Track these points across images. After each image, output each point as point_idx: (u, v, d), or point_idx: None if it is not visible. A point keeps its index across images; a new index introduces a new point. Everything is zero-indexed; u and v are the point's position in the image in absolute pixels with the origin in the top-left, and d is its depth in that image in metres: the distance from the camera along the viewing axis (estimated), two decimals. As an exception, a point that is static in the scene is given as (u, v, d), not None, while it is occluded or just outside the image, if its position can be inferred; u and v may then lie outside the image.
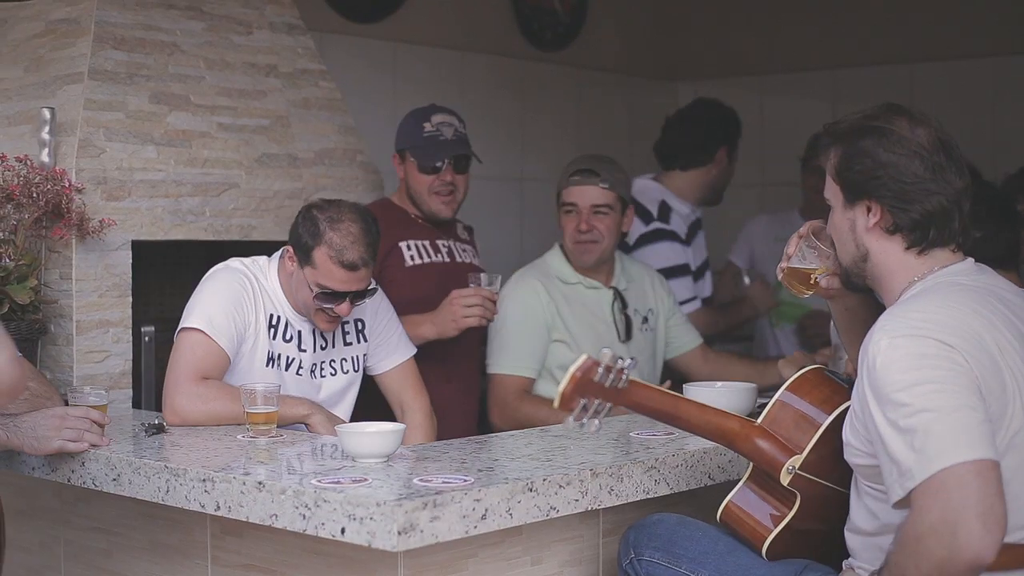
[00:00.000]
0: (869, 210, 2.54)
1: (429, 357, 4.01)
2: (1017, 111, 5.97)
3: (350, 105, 4.69)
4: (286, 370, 3.60)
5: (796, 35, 6.58)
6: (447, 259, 4.28)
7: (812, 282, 2.82)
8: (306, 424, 3.45)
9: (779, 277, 2.91)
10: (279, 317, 3.60)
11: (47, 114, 3.78)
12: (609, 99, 6.59)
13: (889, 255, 2.55)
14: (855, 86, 6.34)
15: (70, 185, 3.69)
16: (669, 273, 4.72)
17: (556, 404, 2.44)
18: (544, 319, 4.22)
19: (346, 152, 4.48)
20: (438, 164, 4.21)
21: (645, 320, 4.39)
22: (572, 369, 2.42)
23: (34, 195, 3.61)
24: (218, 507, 2.73)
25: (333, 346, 3.70)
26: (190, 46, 4.19)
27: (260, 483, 2.64)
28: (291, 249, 3.57)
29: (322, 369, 3.68)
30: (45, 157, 3.76)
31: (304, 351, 3.63)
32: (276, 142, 4.27)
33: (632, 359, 2.47)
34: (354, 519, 2.47)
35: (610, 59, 6.59)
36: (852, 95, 6.18)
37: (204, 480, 2.75)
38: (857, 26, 6.43)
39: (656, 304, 4.45)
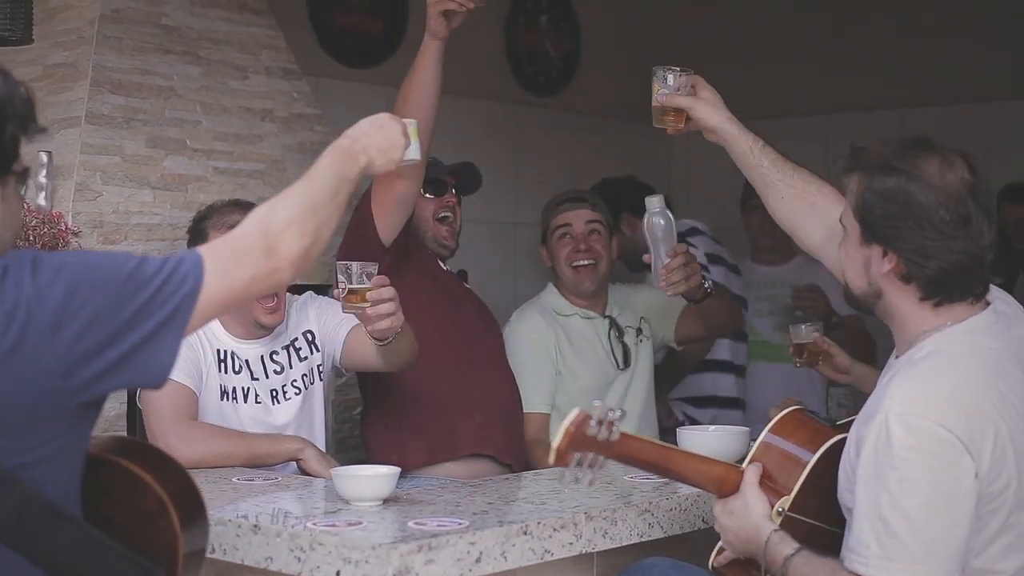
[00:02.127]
0: (885, 254, 2.44)
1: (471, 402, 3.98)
2: (1007, 156, 6.01)
3: (345, 150, 4.71)
4: (244, 402, 3.60)
5: (788, 80, 6.63)
6: (455, 291, 4.20)
7: None
8: (298, 460, 3.47)
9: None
10: (225, 351, 3.61)
11: (44, 157, 3.80)
12: (603, 144, 6.63)
13: (903, 302, 2.46)
14: (847, 130, 6.37)
15: (67, 228, 3.72)
16: None
17: (552, 460, 2.42)
18: (550, 351, 4.23)
19: (341, 196, 4.50)
20: (441, 180, 4.09)
21: (639, 332, 4.39)
22: (566, 424, 2.39)
23: (31, 238, 3.63)
24: (213, 550, 2.72)
25: (291, 367, 3.68)
26: (186, 91, 4.23)
27: (255, 526, 2.65)
28: None
29: (285, 393, 3.66)
30: (42, 200, 3.78)
31: (257, 379, 3.63)
32: (272, 186, 4.30)
33: (621, 410, 2.46)
34: (349, 562, 2.47)
35: (604, 104, 6.63)
36: (844, 140, 6.20)
37: (199, 523, 2.75)
38: (848, 72, 6.48)
39: (641, 308, 4.44)
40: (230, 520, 2.70)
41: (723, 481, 2.63)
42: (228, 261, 2.16)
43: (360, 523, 2.64)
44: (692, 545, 3.03)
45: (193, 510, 2.23)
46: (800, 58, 6.59)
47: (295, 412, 3.67)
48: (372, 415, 4.00)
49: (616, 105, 6.68)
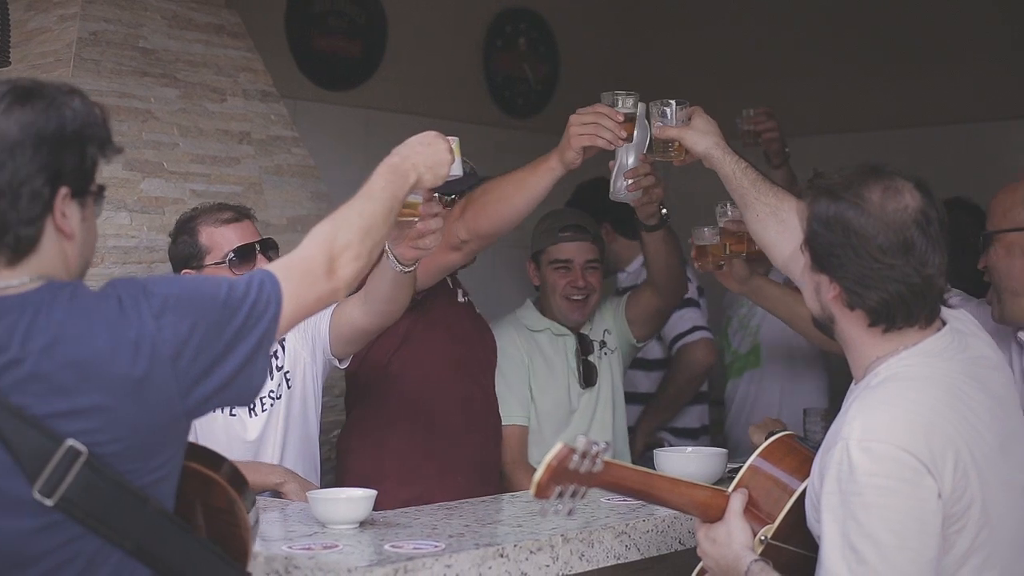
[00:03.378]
0: (831, 281, 2.46)
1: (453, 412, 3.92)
2: (983, 177, 6.02)
3: (323, 172, 4.72)
4: (221, 412, 3.51)
5: (767, 101, 6.63)
6: (469, 334, 4.10)
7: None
8: (279, 492, 3.45)
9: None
10: None
11: (21, 180, 3.79)
12: (582, 166, 6.63)
13: (853, 327, 2.48)
14: (823, 153, 6.38)
15: (43, 251, 3.70)
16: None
17: (532, 493, 2.41)
18: (524, 364, 4.25)
19: (319, 218, 4.41)
20: (453, 197, 3.86)
21: (603, 344, 4.39)
22: (548, 458, 2.37)
23: (8, 261, 3.62)
24: (189, 573, 2.72)
25: (270, 378, 3.60)
26: (164, 113, 4.22)
27: (231, 549, 2.64)
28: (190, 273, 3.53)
29: (262, 404, 3.61)
30: (19, 223, 3.76)
31: None
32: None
33: (606, 443, 2.45)
34: (325, 585, 2.47)
35: (582, 126, 6.63)
36: (821, 162, 6.22)
37: (175, 546, 2.73)
38: (824, 95, 6.51)
39: (607, 320, 4.43)
40: (206, 543, 2.69)
41: (708, 506, 2.61)
42: (299, 283, 2.26)
43: (336, 546, 2.64)
44: (669, 567, 3.03)
45: (251, 504, 2.31)
46: (779, 80, 6.61)
47: (271, 419, 3.62)
48: (354, 440, 3.92)
49: (594, 127, 6.68)
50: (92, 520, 2.03)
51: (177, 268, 3.59)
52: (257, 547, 2.64)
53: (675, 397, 5.03)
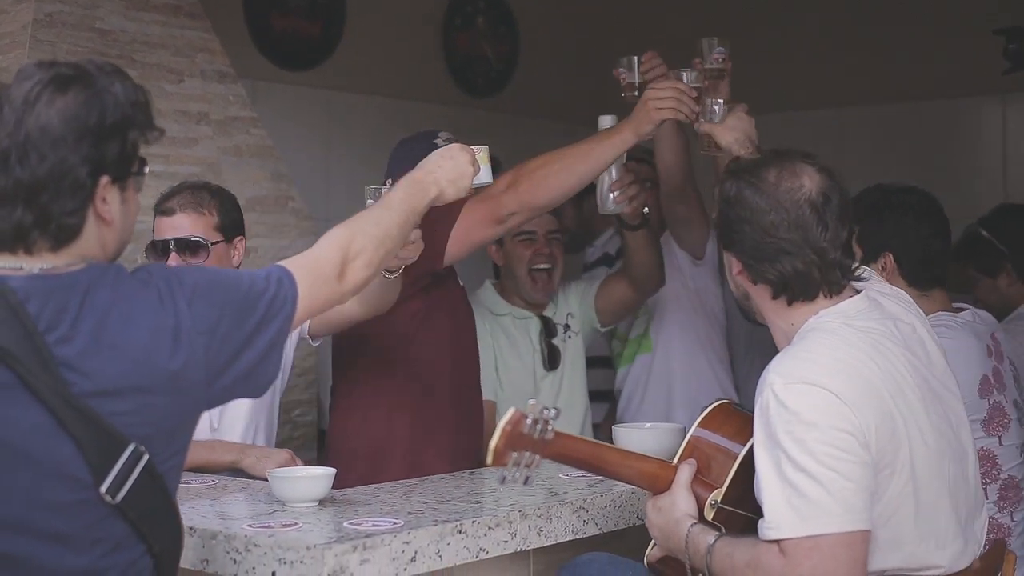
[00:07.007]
0: (734, 257, 2.59)
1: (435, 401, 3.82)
2: (938, 153, 6.08)
3: (283, 152, 4.72)
4: None
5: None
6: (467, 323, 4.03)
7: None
8: (241, 469, 3.45)
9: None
10: None
11: (-23, 163, 3.78)
12: (541, 144, 6.59)
13: (763, 300, 2.59)
14: (783, 130, 6.41)
15: (1, 234, 3.70)
16: None
17: (490, 460, 2.45)
18: (490, 344, 4.26)
19: (278, 199, 4.51)
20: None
21: (567, 328, 4.41)
22: (502, 423, 2.42)
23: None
24: (149, 553, 2.72)
25: None
26: (121, 94, 4.21)
27: (191, 528, 2.65)
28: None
29: None
30: (-25, 206, 3.76)
31: None
32: (208, 190, 4.29)
33: (556, 409, 2.48)
34: (284, 563, 2.48)
35: (542, 104, 6.65)
36: (779, 139, 6.25)
37: (135, 526, 2.74)
38: (785, 72, 6.53)
39: (571, 304, 4.44)
40: (165, 523, 2.70)
41: (656, 478, 2.66)
42: (312, 284, 2.32)
43: (295, 524, 2.65)
44: (627, 542, 3.05)
45: None
46: (738, 59, 6.60)
47: (248, 408, 3.61)
48: (352, 422, 3.79)
49: (556, 105, 6.70)
50: (139, 520, 2.12)
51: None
52: (217, 526, 2.66)
53: None
